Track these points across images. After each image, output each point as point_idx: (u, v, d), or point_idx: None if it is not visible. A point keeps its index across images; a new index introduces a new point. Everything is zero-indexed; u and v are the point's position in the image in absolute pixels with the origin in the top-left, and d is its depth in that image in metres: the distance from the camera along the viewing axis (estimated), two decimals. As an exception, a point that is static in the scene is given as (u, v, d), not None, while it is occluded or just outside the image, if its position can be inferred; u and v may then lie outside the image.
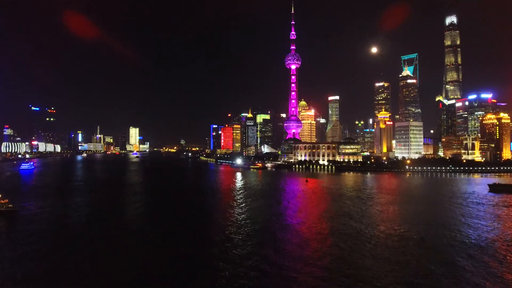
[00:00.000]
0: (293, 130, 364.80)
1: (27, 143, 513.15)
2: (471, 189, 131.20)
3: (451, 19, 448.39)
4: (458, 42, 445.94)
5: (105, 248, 58.23)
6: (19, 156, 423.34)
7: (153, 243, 60.95)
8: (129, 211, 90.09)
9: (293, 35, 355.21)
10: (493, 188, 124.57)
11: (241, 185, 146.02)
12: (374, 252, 54.78)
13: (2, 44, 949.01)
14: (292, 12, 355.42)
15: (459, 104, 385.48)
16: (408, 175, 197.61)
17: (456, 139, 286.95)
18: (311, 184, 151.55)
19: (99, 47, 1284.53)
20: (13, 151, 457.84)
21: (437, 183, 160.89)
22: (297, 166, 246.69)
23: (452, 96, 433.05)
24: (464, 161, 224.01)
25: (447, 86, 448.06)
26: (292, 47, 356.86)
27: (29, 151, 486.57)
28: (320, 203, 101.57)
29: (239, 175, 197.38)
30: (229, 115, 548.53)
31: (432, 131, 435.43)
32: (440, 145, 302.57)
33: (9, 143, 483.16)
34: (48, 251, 56.09)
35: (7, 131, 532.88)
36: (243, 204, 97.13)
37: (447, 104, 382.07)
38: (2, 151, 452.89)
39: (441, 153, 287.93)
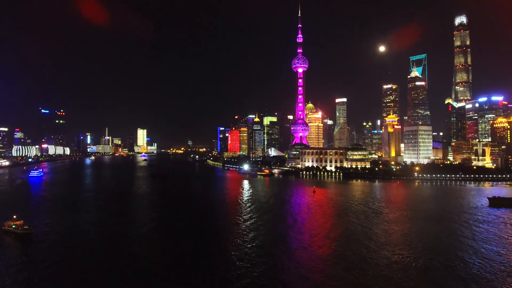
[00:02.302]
0: (300, 134, 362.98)
1: (37, 146, 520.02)
2: (476, 202, 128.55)
3: (460, 19, 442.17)
4: (468, 43, 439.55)
5: (115, 270, 59.40)
6: (29, 160, 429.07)
7: (160, 261, 61.12)
8: (136, 230, 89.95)
9: (300, 38, 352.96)
10: (493, 202, 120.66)
11: (248, 197, 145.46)
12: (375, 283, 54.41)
13: (12, 47, 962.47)
14: (299, 15, 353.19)
15: (469, 106, 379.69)
16: (416, 183, 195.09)
17: (466, 143, 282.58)
18: (318, 195, 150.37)
19: (107, 49, 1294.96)
20: (23, 155, 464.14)
21: (445, 194, 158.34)
22: (304, 172, 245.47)
23: (461, 98, 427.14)
24: (474, 167, 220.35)
25: (456, 87, 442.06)
26: (299, 50, 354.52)
27: (39, 154, 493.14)
28: (326, 221, 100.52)
29: (246, 183, 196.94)
30: (236, 117, 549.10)
31: (441, 133, 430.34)
32: (449, 149, 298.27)
33: (20, 146, 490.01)
34: (62, 276, 58.08)
35: (18, 135, 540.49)
36: (248, 223, 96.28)
37: (456, 106, 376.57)
38: (13, 155, 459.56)
39: (450, 157, 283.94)
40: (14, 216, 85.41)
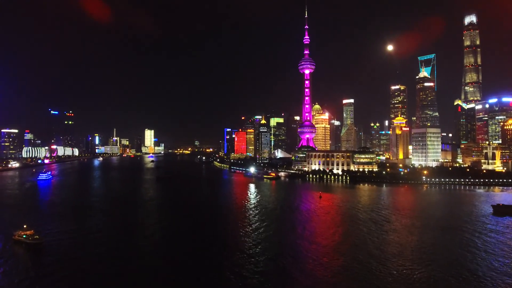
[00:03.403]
0: (307, 136, 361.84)
1: (46, 147, 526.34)
2: (481, 209, 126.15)
3: (470, 19, 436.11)
4: (477, 42, 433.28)
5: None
6: (39, 161, 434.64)
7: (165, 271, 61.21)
8: (144, 240, 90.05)
9: (306, 39, 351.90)
10: (497, 210, 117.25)
11: (254, 203, 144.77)
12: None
13: (21, 49, 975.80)
14: (306, 16, 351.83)
15: (479, 107, 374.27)
16: (425, 188, 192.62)
17: (476, 146, 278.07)
18: (325, 200, 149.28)
19: (116, 51, 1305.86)
20: (33, 156, 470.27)
21: (452, 200, 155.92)
22: (311, 176, 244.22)
23: (471, 98, 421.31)
24: (484, 171, 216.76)
25: (466, 88, 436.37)
26: (306, 52, 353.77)
27: (48, 155, 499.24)
28: (332, 230, 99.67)
29: (252, 187, 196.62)
30: (243, 118, 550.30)
31: (450, 135, 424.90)
32: (459, 151, 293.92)
33: (30, 147, 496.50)
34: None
35: (28, 136, 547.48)
36: (253, 232, 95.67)
37: (466, 108, 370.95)
38: (23, 156, 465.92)
39: (460, 160, 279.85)
40: (25, 226, 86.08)
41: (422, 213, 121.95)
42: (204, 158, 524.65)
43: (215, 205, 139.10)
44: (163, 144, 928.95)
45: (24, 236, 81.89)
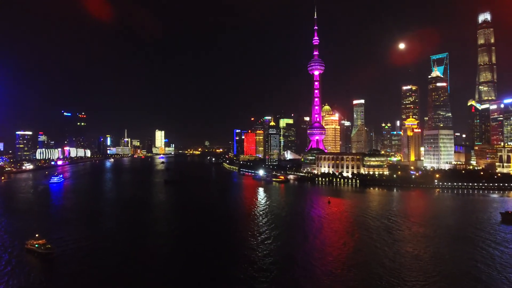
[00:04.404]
0: (317, 138, 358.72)
1: (59, 148, 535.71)
2: (490, 217, 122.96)
3: (484, 16, 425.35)
4: (492, 41, 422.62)
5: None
6: (52, 163, 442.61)
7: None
8: (155, 249, 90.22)
9: (316, 40, 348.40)
10: (506, 217, 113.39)
11: (262, 209, 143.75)
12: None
13: (34, 52, 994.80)
14: (315, 17, 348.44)
15: (493, 107, 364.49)
16: (436, 192, 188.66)
17: (490, 147, 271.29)
18: (334, 206, 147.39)
19: (127, 53, 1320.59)
20: (46, 158, 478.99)
21: (464, 207, 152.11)
22: (320, 179, 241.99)
23: (486, 98, 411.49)
24: (499, 174, 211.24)
25: (480, 87, 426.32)
26: (315, 53, 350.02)
27: (61, 156, 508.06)
28: (340, 239, 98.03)
29: (261, 192, 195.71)
30: (252, 119, 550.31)
31: (464, 135, 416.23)
32: (472, 153, 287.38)
33: (44, 149, 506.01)
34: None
35: (41, 138, 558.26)
36: (264, 245, 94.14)
37: (480, 108, 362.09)
38: (37, 157, 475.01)
39: (473, 162, 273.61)
40: (37, 235, 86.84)
41: (433, 221, 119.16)
42: (213, 159, 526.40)
43: (224, 213, 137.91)
44: (173, 145, 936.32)
45: (36, 245, 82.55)
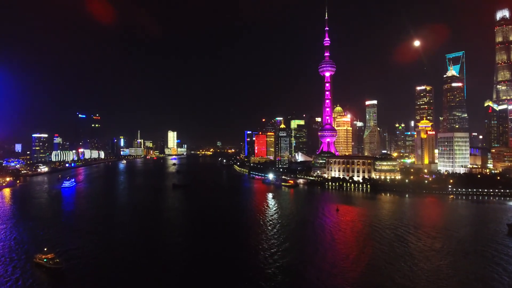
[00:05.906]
0: (328, 140, 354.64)
1: (74, 150, 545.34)
2: (497, 228, 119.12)
3: (502, 13, 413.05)
4: (510, 38, 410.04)
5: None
6: (66, 165, 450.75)
7: None
8: (164, 260, 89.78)
9: (327, 41, 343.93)
10: None
11: (270, 217, 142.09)
12: None
13: (50, 55, 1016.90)
14: (326, 18, 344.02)
15: (511, 107, 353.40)
16: (451, 199, 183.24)
17: (508, 150, 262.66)
18: (343, 214, 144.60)
19: (140, 54, 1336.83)
20: (62, 160, 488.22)
21: (479, 215, 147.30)
22: (330, 183, 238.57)
23: (504, 97, 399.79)
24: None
25: (498, 87, 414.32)
26: (326, 54, 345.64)
27: (76, 158, 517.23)
28: (347, 251, 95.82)
29: (270, 197, 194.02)
30: (263, 120, 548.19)
31: (481, 137, 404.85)
32: (489, 155, 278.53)
33: (59, 151, 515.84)
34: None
35: (57, 140, 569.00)
36: (273, 259, 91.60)
37: (497, 109, 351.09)
38: (52, 159, 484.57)
39: (490, 165, 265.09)
40: (45, 249, 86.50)
41: (444, 232, 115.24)
42: (224, 161, 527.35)
43: (232, 220, 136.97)
44: (185, 145, 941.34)
45: (44, 260, 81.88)
